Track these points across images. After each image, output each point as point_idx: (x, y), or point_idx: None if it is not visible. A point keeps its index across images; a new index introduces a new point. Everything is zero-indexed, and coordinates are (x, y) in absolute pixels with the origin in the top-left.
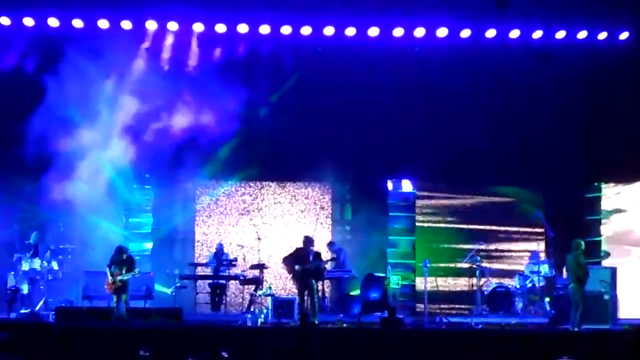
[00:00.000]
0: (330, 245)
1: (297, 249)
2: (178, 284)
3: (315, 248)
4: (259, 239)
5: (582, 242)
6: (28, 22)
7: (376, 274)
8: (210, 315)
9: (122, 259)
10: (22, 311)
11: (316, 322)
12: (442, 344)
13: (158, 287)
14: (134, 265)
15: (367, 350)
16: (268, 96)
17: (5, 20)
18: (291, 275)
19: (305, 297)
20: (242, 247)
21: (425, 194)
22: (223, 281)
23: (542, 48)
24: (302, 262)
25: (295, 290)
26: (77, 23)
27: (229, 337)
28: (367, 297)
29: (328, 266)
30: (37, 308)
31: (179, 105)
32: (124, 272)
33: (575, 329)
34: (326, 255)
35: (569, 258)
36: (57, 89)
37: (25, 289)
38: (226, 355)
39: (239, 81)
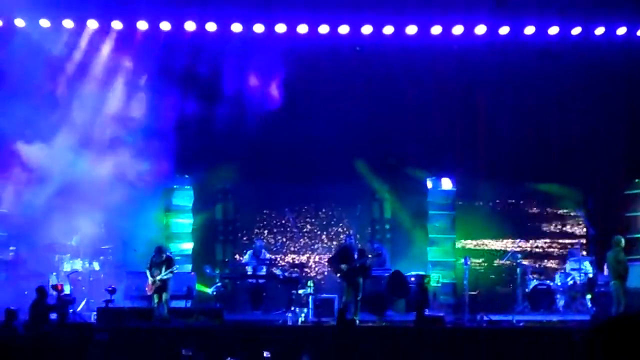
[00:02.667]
0: (372, 243)
1: (341, 248)
2: (219, 284)
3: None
4: (298, 238)
5: (622, 239)
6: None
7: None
8: (251, 314)
9: (161, 259)
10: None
11: (357, 320)
12: (483, 342)
13: (199, 287)
14: (173, 265)
15: (407, 348)
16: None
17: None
18: (338, 275)
19: (349, 296)
20: (282, 245)
21: (465, 191)
22: (263, 280)
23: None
24: (347, 261)
25: (334, 289)
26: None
27: (270, 336)
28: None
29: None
30: (79, 309)
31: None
32: (163, 271)
33: None
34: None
35: (609, 255)
36: None
37: (66, 290)
38: (269, 356)
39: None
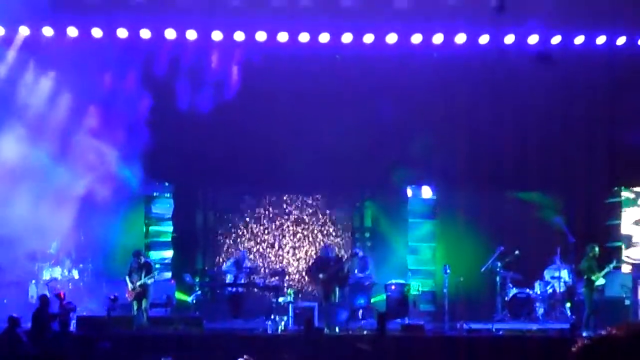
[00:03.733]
0: (355, 253)
1: (317, 258)
2: (198, 292)
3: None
4: (278, 247)
5: (596, 247)
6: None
7: (364, 282)
8: (231, 322)
9: (139, 263)
10: None
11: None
12: (463, 350)
13: (179, 295)
14: (152, 269)
15: (388, 356)
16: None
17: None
18: (317, 285)
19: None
20: (262, 255)
21: (445, 200)
22: (243, 288)
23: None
24: (324, 269)
25: (314, 297)
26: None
27: (250, 344)
28: (353, 304)
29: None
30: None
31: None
32: (142, 277)
33: (584, 333)
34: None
35: (583, 262)
36: None
37: None
38: None
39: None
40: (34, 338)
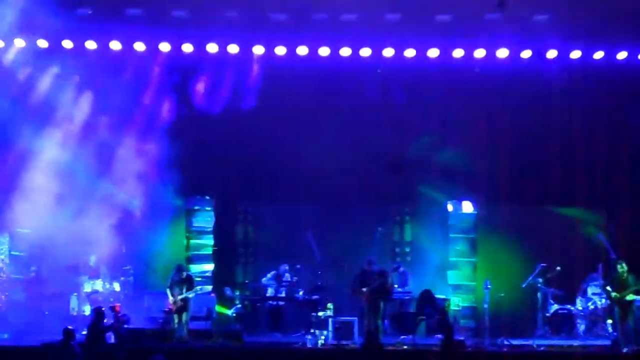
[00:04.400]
0: (396, 267)
1: (361, 271)
2: (239, 305)
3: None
4: (316, 260)
5: (621, 263)
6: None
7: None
8: (270, 336)
9: (181, 277)
10: (84, 332)
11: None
12: None
13: (219, 309)
14: (193, 283)
15: None
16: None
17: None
18: (361, 298)
19: (370, 319)
20: (299, 268)
21: (486, 215)
22: (283, 302)
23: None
24: (367, 283)
25: (354, 311)
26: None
27: (289, 358)
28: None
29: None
30: None
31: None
32: (184, 291)
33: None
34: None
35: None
36: None
37: (87, 310)
38: None
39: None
40: (89, 350)
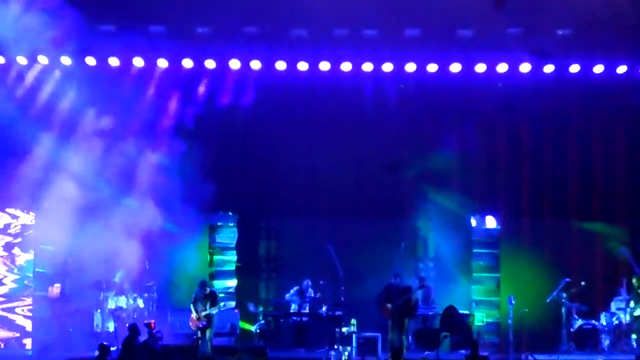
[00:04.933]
0: (421, 284)
1: (385, 287)
2: (262, 321)
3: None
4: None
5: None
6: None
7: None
8: (294, 352)
9: (205, 293)
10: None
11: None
12: None
13: (242, 324)
14: (217, 299)
15: None
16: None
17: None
18: (385, 314)
19: (394, 335)
20: (322, 283)
21: (509, 230)
22: (306, 318)
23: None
24: (392, 299)
25: (378, 327)
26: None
27: None
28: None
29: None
30: None
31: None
32: (208, 307)
33: None
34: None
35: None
36: None
37: (111, 327)
38: None
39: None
40: None
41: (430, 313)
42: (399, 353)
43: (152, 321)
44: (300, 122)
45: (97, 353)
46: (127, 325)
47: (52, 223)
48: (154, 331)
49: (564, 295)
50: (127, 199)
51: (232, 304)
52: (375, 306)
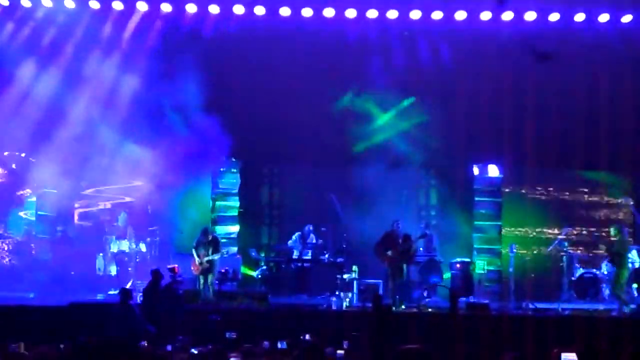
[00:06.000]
0: (425, 233)
1: (386, 235)
2: (264, 267)
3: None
4: (341, 222)
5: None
6: None
7: (436, 259)
8: (296, 298)
9: (207, 240)
10: (111, 292)
11: (403, 306)
12: (529, 330)
13: (244, 270)
14: (219, 246)
15: (448, 334)
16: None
17: None
18: (384, 261)
19: (393, 282)
20: (324, 230)
21: (512, 178)
22: (308, 264)
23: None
24: (392, 247)
25: (379, 274)
26: None
27: (315, 320)
28: (428, 282)
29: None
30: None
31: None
32: (210, 253)
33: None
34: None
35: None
36: None
37: (113, 270)
38: (310, 339)
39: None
40: (147, 312)
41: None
42: (378, 299)
43: (176, 266)
44: (304, 69)
45: (119, 297)
46: (150, 270)
47: (54, 166)
48: (177, 276)
49: (566, 244)
50: (130, 144)
51: (234, 249)
52: (374, 253)
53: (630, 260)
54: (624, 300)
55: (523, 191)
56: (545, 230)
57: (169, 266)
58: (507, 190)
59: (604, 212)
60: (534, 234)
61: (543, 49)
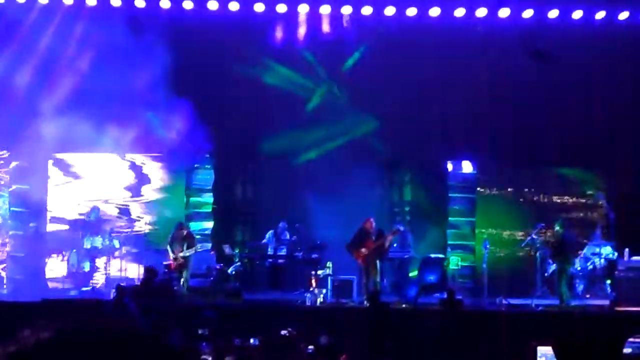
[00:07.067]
0: (399, 229)
1: (359, 231)
2: (238, 263)
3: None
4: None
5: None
6: None
7: (433, 256)
8: (270, 294)
9: (182, 235)
10: (84, 289)
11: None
12: (502, 325)
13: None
14: (194, 241)
15: (428, 331)
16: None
17: None
18: (357, 258)
19: (368, 279)
20: (298, 226)
21: (486, 175)
22: (282, 260)
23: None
24: (366, 244)
25: (353, 270)
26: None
27: (289, 316)
28: (424, 280)
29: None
30: (98, 286)
31: None
32: (184, 248)
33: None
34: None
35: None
36: None
37: (86, 266)
38: (286, 334)
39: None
40: (142, 309)
41: (406, 257)
42: (375, 296)
43: (172, 262)
44: (282, 62)
45: (115, 295)
46: (144, 267)
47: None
48: (172, 273)
49: (539, 240)
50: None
51: (208, 245)
52: (348, 250)
53: (603, 255)
54: (565, 296)
55: (497, 187)
56: (518, 225)
57: (165, 262)
58: (481, 186)
59: (576, 208)
60: (508, 233)
61: (540, 49)
